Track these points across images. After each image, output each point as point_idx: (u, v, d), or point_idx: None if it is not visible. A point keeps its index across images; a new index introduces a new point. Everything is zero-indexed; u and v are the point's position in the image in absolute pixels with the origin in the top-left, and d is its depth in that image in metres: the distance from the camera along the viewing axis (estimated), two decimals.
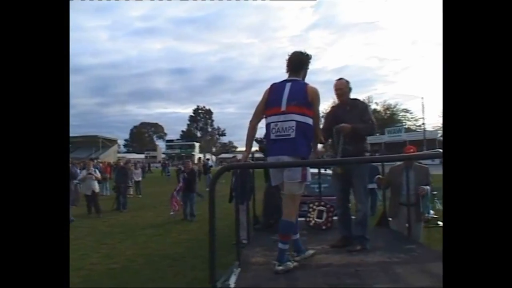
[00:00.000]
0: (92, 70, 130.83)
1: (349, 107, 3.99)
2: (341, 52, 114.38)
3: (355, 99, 4.12)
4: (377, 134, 62.20)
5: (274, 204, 4.92)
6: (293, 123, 3.10)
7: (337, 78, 4.11)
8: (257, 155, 6.48)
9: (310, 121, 3.18)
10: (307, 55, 3.42)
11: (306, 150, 3.16)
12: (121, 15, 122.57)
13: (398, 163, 4.94)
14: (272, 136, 3.20)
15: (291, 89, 3.22)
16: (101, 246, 7.47)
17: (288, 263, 3.11)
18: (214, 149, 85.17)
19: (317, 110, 3.27)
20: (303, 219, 4.88)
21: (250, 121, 3.40)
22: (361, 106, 4.07)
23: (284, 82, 3.33)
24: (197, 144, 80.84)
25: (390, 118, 72.14)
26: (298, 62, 3.37)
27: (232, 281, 2.82)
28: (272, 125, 3.22)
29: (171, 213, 10.53)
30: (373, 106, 73.35)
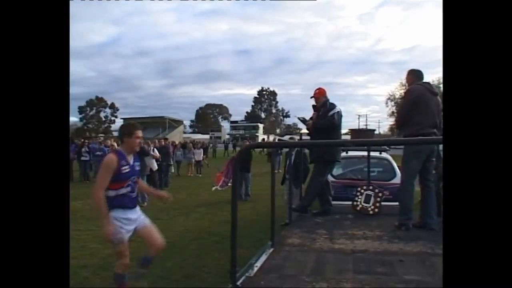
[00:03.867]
0: (158, 53, 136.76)
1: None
2: (413, 31, 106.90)
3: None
4: None
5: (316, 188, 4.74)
6: None
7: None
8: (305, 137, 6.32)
9: None
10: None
11: None
12: None
13: None
14: None
15: None
16: (155, 221, 7.71)
17: None
18: (278, 131, 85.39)
19: None
20: (350, 203, 4.75)
21: None
22: None
23: None
24: (261, 126, 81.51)
25: None
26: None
27: (261, 261, 2.82)
28: None
29: (214, 187, 9.73)
30: None
